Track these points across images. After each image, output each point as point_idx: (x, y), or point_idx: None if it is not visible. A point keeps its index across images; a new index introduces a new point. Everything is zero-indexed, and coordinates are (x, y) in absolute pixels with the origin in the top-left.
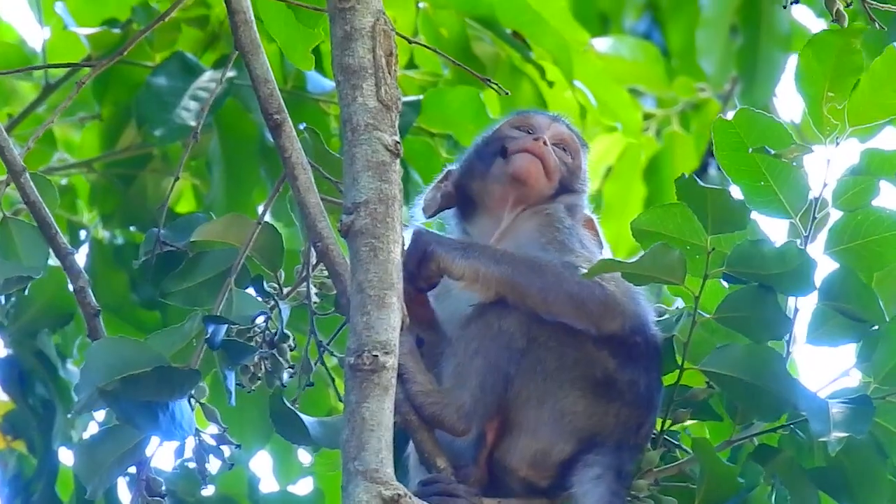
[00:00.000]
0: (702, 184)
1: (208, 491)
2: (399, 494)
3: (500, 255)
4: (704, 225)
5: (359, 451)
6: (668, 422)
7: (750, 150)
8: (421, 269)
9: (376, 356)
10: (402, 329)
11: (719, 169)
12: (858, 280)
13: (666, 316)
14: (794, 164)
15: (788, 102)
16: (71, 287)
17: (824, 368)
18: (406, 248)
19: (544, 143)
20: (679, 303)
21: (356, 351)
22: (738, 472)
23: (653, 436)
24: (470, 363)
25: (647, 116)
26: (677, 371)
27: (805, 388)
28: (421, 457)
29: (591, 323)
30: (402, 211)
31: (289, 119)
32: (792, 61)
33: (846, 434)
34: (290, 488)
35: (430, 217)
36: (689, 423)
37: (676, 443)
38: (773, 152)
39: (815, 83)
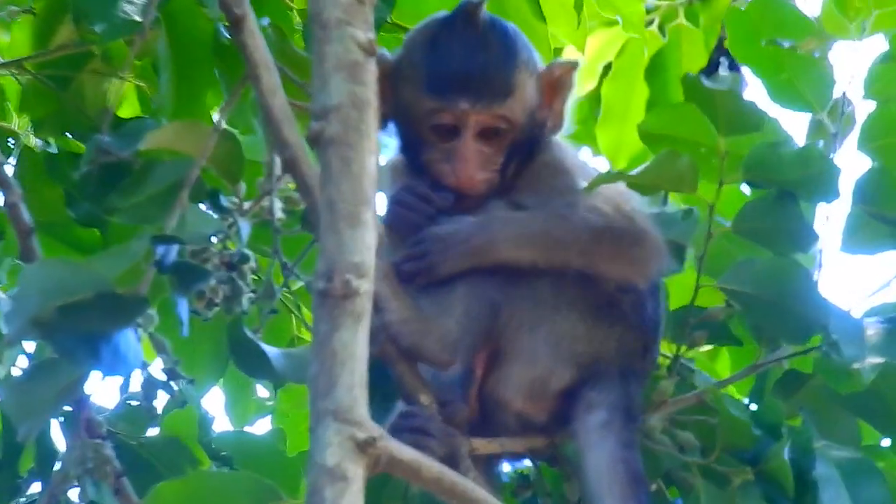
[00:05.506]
0: (708, 85)
1: (154, 432)
2: (374, 437)
3: (533, 223)
4: (717, 127)
5: (329, 387)
6: (683, 347)
7: (763, 42)
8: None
9: (349, 280)
10: (377, 250)
11: (731, 67)
12: (895, 180)
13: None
14: (817, 55)
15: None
16: (1, 202)
17: (863, 279)
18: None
19: (469, 175)
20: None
21: (326, 274)
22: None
23: (667, 363)
24: (454, 289)
25: (650, 10)
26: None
27: (836, 306)
28: (402, 392)
29: (642, 273)
30: (377, 116)
31: (251, 14)
32: None
33: (882, 360)
34: (247, 429)
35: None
36: (705, 348)
37: (693, 369)
38: (788, 44)
39: None
